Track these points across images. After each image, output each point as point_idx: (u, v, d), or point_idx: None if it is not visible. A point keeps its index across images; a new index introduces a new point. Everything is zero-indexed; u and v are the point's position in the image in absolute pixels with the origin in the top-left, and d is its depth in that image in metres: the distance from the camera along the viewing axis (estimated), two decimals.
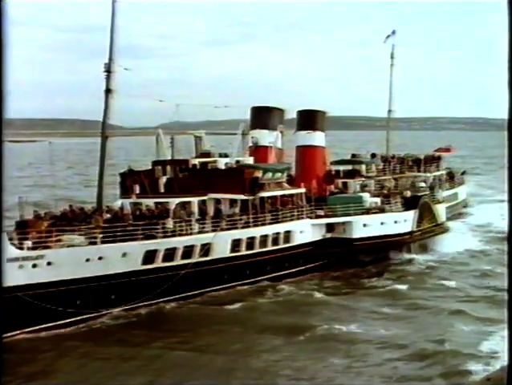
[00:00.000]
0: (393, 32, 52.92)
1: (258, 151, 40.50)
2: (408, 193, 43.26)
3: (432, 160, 55.96)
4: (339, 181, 44.17)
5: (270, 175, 35.87)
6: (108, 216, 30.09)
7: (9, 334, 23.25)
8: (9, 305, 20.65)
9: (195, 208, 32.61)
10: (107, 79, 31.05)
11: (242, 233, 32.91)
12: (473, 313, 29.00)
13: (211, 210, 33.15)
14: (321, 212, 37.81)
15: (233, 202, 34.01)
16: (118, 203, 33.41)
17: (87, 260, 27.41)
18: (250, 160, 37.75)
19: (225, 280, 32.34)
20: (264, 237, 34.01)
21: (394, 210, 40.73)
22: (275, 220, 34.76)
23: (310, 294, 32.60)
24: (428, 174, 52.57)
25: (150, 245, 29.18)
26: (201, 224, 31.70)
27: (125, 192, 33.82)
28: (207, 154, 36.45)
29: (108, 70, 30.94)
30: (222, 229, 31.93)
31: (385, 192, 44.04)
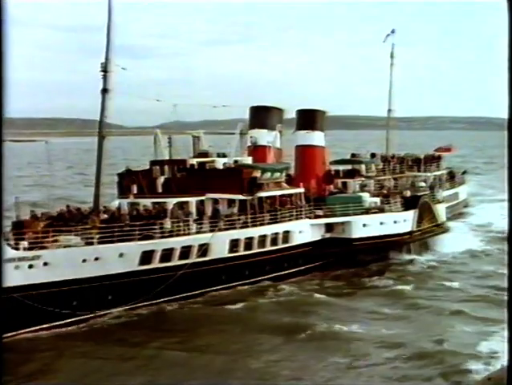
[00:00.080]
0: (393, 31, 52.76)
1: (257, 150, 40.32)
2: (408, 193, 43.10)
3: (433, 160, 55.83)
4: (339, 181, 44.03)
5: (268, 175, 35.68)
6: (105, 216, 29.93)
7: (4, 336, 23.07)
8: (4, 306, 20.48)
9: (193, 209, 32.44)
10: (104, 78, 30.95)
11: (241, 233, 32.73)
12: (473, 313, 28.93)
13: (209, 210, 32.98)
14: (320, 212, 37.65)
15: (231, 202, 33.84)
16: (115, 203, 33.27)
17: (84, 260, 27.26)
18: (249, 160, 37.58)
19: (223, 280, 32.18)
20: (262, 237, 33.84)
21: (394, 210, 40.56)
22: (274, 221, 34.58)
23: (309, 294, 32.51)
24: (429, 174, 52.46)
25: (147, 245, 29.02)
26: (199, 224, 31.52)
27: (123, 192, 33.67)
28: (205, 154, 36.30)
29: (105, 69, 30.83)
30: (220, 229, 31.76)
31: (385, 191, 43.90)
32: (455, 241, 43.18)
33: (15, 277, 24.62)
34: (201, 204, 33.07)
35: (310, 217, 36.89)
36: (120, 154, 50.30)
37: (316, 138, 43.47)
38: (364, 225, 38.44)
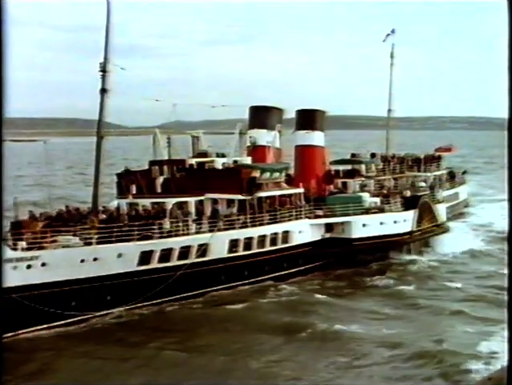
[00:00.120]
0: (393, 31, 52.69)
1: (256, 150, 40.21)
2: (408, 193, 43.02)
3: (433, 160, 55.72)
4: (339, 181, 43.94)
5: (267, 175, 35.58)
6: (104, 216, 29.83)
7: (4, 336, 23.01)
8: (3, 306, 20.44)
9: (192, 209, 32.35)
10: (103, 78, 30.86)
11: (240, 234, 32.63)
12: (473, 313, 28.87)
13: (208, 210, 32.88)
14: (320, 212, 37.54)
15: (230, 202, 33.75)
16: (114, 203, 33.20)
17: (82, 261, 27.16)
18: (248, 160, 37.50)
19: (222, 281, 32.08)
20: (262, 238, 33.74)
21: (393, 210, 40.46)
22: (273, 221, 34.47)
23: (309, 294, 32.47)
24: (429, 174, 52.37)
25: (146, 245, 28.92)
26: (198, 224, 31.42)
27: (122, 192, 33.59)
28: (204, 154, 36.21)
29: (104, 69, 30.73)
30: (220, 230, 31.66)
31: (385, 191, 43.81)
32: (455, 240, 43.10)
33: (13, 277, 24.52)
34: (200, 204, 32.98)
35: (309, 217, 36.78)
36: (121, 154, 50.34)
37: (316, 138, 43.35)
38: (364, 225, 38.33)
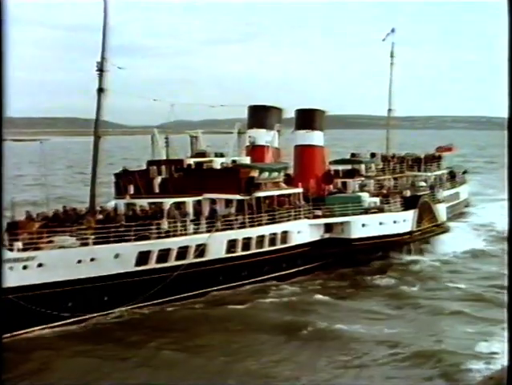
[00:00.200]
0: (393, 30, 52.60)
1: (255, 150, 40.07)
2: (408, 193, 42.87)
3: (433, 160, 55.56)
4: (339, 181, 43.82)
5: (266, 174, 35.38)
6: (100, 216, 29.67)
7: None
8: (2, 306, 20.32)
9: (190, 209, 32.17)
10: (100, 77, 30.71)
11: (238, 234, 32.46)
12: (474, 313, 28.77)
13: (206, 210, 32.70)
14: (319, 212, 37.35)
15: (228, 202, 33.55)
16: (112, 203, 33.04)
17: (79, 261, 27.00)
18: (247, 160, 37.32)
19: (220, 281, 31.91)
20: (261, 238, 33.55)
21: (393, 210, 40.29)
22: (272, 221, 34.29)
23: (309, 294, 32.34)
24: (429, 173, 52.22)
25: (143, 246, 28.76)
26: (196, 224, 31.25)
27: (119, 192, 33.43)
28: (202, 154, 36.02)
29: (101, 69, 30.59)
30: (218, 230, 31.48)
31: (384, 191, 43.63)
32: (456, 240, 43.00)
33: (9, 278, 24.35)
34: (198, 204, 32.79)
35: (308, 217, 36.59)
36: (122, 153, 50.28)
37: (315, 138, 43.18)
38: (364, 225, 38.16)
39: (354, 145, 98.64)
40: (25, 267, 25.51)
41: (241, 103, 43.63)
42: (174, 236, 29.98)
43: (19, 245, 25.76)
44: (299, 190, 37.28)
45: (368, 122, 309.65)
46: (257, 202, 34.01)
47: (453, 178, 58.61)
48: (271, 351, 24.49)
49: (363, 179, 45.05)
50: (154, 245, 29.12)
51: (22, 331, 25.40)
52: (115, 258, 27.89)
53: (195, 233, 30.94)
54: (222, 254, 31.77)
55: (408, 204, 41.05)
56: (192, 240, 30.54)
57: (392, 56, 54.04)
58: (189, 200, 32.41)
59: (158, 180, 33.17)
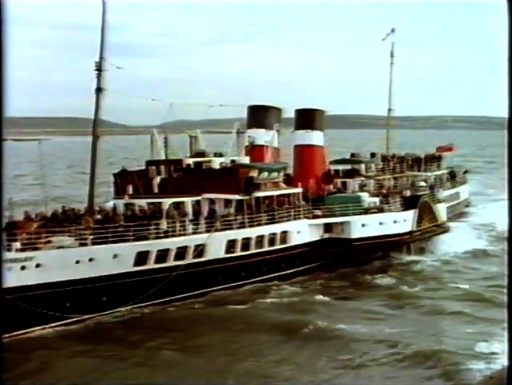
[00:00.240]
0: (392, 30, 52.54)
1: (254, 150, 39.95)
2: (408, 193, 42.79)
3: (433, 160, 55.48)
4: (338, 181, 43.73)
5: (265, 174, 35.28)
6: (99, 216, 29.59)
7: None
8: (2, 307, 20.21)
9: (189, 209, 32.08)
10: (98, 77, 30.63)
11: (237, 234, 32.36)
12: (474, 313, 28.71)
13: (205, 210, 32.60)
14: (319, 212, 37.25)
15: (227, 202, 33.44)
16: (110, 203, 32.95)
17: (77, 262, 26.90)
18: (246, 160, 37.19)
19: (220, 281, 31.81)
20: (260, 238, 33.46)
21: (393, 210, 40.20)
22: (271, 221, 34.20)
23: (309, 294, 32.28)
24: (429, 173, 52.16)
25: (142, 246, 28.67)
26: (195, 224, 31.15)
27: (118, 192, 33.36)
28: (201, 153, 35.92)
29: (99, 68, 30.51)
30: (217, 230, 31.39)
31: (384, 191, 43.53)
32: (456, 240, 42.99)
33: (7, 278, 24.26)
34: (197, 204, 32.70)
35: (308, 217, 36.50)
36: (123, 153, 50.24)
37: (315, 137, 43.08)
38: (363, 225, 38.06)
39: (354, 145, 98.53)
40: (23, 267, 25.42)
41: (240, 102, 43.62)
42: (173, 236, 29.89)
43: (17, 245, 25.67)
44: (299, 190, 37.18)
45: (368, 122, 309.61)
46: (256, 202, 33.92)
47: (453, 178, 58.52)
48: (271, 351, 24.46)
49: (363, 179, 44.98)
50: (153, 246, 29.03)
51: (19, 332, 25.29)
52: (113, 258, 27.80)
53: (194, 233, 30.84)
54: (221, 254, 31.68)
55: (408, 204, 40.96)
56: (191, 240, 30.44)
57: (392, 56, 53.99)
58: (188, 200, 32.31)
59: (157, 180, 33.12)
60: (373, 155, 50.91)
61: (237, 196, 33.18)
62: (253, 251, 33.11)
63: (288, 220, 35.16)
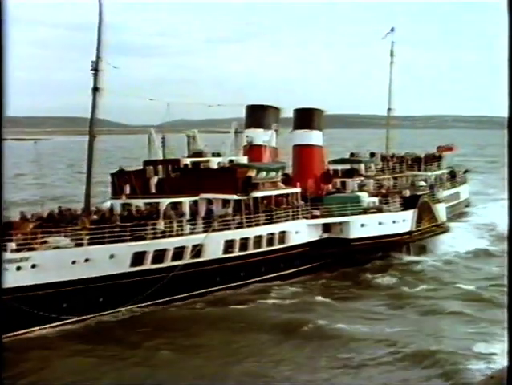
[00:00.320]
0: (392, 29, 52.45)
1: (253, 150, 39.75)
2: (408, 193, 42.57)
3: (433, 159, 55.31)
4: (338, 181, 43.51)
5: (263, 174, 35.09)
6: (95, 217, 29.41)
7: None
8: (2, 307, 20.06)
9: (186, 209, 31.89)
10: (95, 77, 30.46)
11: (235, 234, 32.19)
12: (474, 313, 28.63)
13: (203, 210, 32.42)
14: (317, 212, 37.06)
15: (225, 202, 33.25)
16: (107, 204, 32.78)
17: (74, 262, 26.72)
18: (244, 160, 37.01)
19: (217, 282, 31.63)
20: (258, 238, 33.29)
21: (392, 210, 40.01)
22: (270, 221, 34.02)
23: (307, 295, 32.17)
24: (429, 173, 52.00)
25: (138, 246, 28.49)
26: (193, 224, 30.97)
27: (116, 192, 33.18)
28: (199, 153, 35.75)
29: (96, 68, 30.34)
30: (214, 230, 31.21)
31: (383, 191, 43.34)
32: (456, 240, 42.82)
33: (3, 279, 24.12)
34: (194, 204, 32.52)
35: (307, 217, 36.32)
36: (121, 153, 50.12)
37: (314, 137, 42.86)
38: (362, 225, 37.88)
39: (353, 145, 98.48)
40: (18, 268, 25.23)
41: (240, 102, 43.45)
42: (170, 236, 29.73)
43: (13, 245, 25.49)
44: (297, 190, 37.00)
45: (369, 121, 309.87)
46: (254, 202, 33.74)
47: (453, 178, 58.35)
48: (271, 351, 24.38)
49: (362, 178, 44.77)
50: (149, 246, 28.86)
51: (15, 333, 25.12)
52: (110, 259, 27.63)
53: (191, 233, 30.70)
54: (219, 255, 31.51)
55: (407, 204, 40.78)
56: (188, 240, 30.27)
57: (391, 55, 53.87)
58: (186, 201, 32.13)
59: (154, 180, 32.96)
60: (373, 154, 50.74)
61: (235, 196, 33.00)
62: (251, 251, 32.94)
63: (286, 221, 34.98)
